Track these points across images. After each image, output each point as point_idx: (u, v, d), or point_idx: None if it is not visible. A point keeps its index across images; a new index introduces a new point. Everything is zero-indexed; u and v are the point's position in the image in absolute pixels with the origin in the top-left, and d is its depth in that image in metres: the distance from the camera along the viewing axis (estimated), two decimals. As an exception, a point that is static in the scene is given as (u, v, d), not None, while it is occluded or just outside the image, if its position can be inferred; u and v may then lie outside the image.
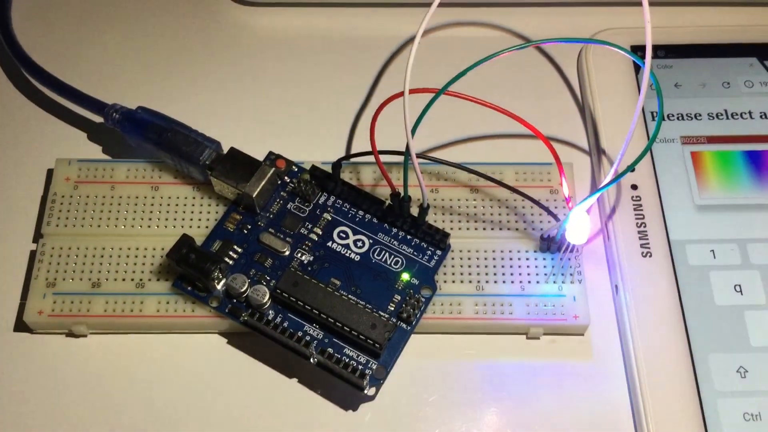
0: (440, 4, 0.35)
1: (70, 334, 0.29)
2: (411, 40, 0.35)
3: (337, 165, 0.29)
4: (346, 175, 0.31)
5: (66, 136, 0.33)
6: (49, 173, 0.32)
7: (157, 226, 0.30)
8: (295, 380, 0.28)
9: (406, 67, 0.24)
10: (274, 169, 0.29)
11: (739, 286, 0.29)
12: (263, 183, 0.29)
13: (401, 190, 0.28)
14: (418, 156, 0.26)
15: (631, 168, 0.26)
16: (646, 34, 0.23)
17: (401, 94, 0.24)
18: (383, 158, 0.27)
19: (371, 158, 0.27)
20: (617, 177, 0.25)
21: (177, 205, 0.30)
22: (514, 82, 0.34)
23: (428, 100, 0.25)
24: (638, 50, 0.33)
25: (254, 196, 0.29)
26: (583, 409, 0.28)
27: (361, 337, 0.27)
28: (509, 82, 0.34)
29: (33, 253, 0.30)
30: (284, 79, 0.34)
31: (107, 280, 0.29)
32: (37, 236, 0.30)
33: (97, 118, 0.32)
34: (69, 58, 0.35)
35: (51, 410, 0.28)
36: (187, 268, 0.27)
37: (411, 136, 0.25)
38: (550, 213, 0.28)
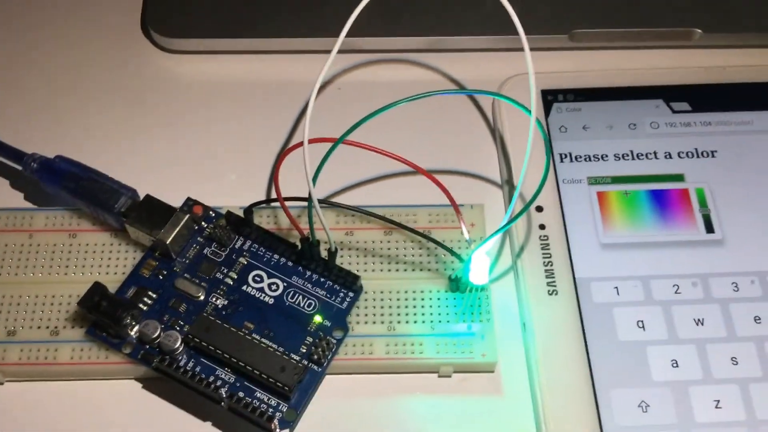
0: (362, 51, 0.36)
1: (-14, 383, 0.29)
2: (327, 85, 0.36)
3: (248, 211, 0.29)
4: (263, 219, 0.31)
5: (-14, 184, 0.34)
6: (-31, 222, 0.32)
7: (74, 273, 0.30)
8: (209, 424, 0.29)
9: (305, 117, 0.25)
10: (189, 215, 0.30)
11: (642, 321, 0.30)
12: (177, 229, 0.29)
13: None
14: (324, 202, 0.27)
15: (514, 220, 0.27)
16: (530, 87, 0.24)
17: (301, 144, 0.25)
18: (296, 203, 0.28)
19: (289, 202, 0.28)
20: (505, 225, 0.27)
21: (95, 252, 0.31)
22: (437, 122, 0.35)
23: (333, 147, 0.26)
24: (549, 94, 0.35)
25: (168, 242, 0.29)
26: (493, 445, 0.29)
27: (270, 380, 0.27)
28: (432, 121, 0.35)
29: (-49, 302, 0.30)
30: (204, 126, 0.35)
31: (22, 327, 0.29)
32: (-45, 284, 0.31)
33: (19, 167, 0.33)
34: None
35: (-35, 459, 0.28)
36: (99, 316, 0.28)
37: (312, 183, 0.25)
38: (454, 254, 0.29)
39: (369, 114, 0.25)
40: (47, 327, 0.29)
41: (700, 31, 0.36)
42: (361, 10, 0.24)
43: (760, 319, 0.30)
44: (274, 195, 0.28)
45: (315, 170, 0.26)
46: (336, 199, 0.30)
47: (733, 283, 0.30)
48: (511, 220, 0.27)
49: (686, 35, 0.36)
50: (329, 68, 0.25)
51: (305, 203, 0.27)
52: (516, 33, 0.31)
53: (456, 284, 0.30)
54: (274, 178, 0.26)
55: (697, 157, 0.33)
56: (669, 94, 0.35)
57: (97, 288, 0.28)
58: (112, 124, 0.35)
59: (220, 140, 0.35)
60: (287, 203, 0.27)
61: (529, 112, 0.24)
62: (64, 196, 0.31)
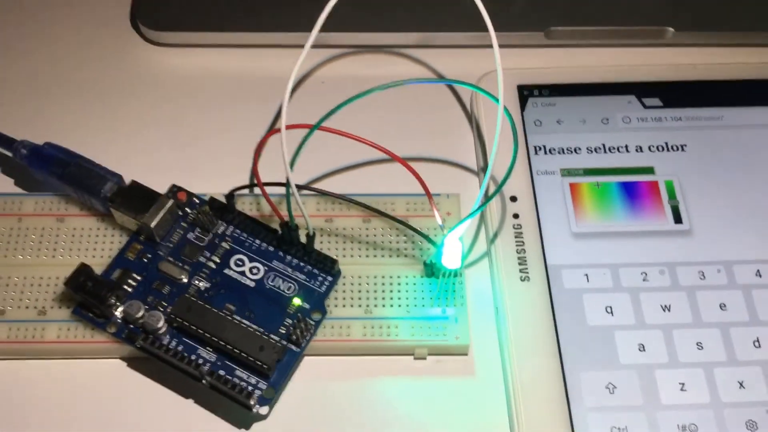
0: (346, 46, 0.37)
1: (-26, 360, 0.30)
2: (309, 77, 0.37)
3: (229, 196, 0.30)
4: (246, 206, 0.32)
5: (-22, 170, 0.35)
6: (-40, 206, 0.33)
7: (62, 256, 0.31)
8: (191, 401, 0.30)
9: (281, 105, 0.26)
10: (172, 201, 0.31)
11: (610, 307, 0.31)
12: (162, 214, 0.30)
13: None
14: (303, 187, 0.28)
15: (484, 205, 0.28)
16: (498, 79, 0.25)
17: (278, 130, 0.26)
18: (277, 189, 0.29)
19: (271, 189, 0.29)
20: (476, 210, 0.28)
21: (82, 236, 0.32)
22: (417, 113, 0.36)
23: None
24: (525, 89, 0.36)
25: (152, 226, 0.30)
26: (465, 425, 0.29)
27: (250, 358, 0.28)
28: (412, 113, 0.36)
29: (-59, 283, 0.31)
30: (189, 116, 0.36)
31: (11, 307, 0.30)
32: (-54, 266, 0.32)
33: (9, 153, 0.34)
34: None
35: (-47, 435, 0.29)
36: (84, 296, 0.29)
37: (290, 169, 0.26)
38: (428, 240, 0.30)
39: (345, 101, 0.26)
40: (35, 307, 0.30)
41: (672, 29, 0.37)
42: (332, 6, 0.25)
43: (725, 306, 0.31)
44: (255, 182, 0.29)
45: (292, 156, 0.27)
46: (316, 186, 0.31)
47: (699, 271, 0.32)
48: (482, 203, 0.28)
49: (659, 33, 0.37)
50: (312, 62, 0.26)
51: (284, 189, 0.28)
52: (495, 30, 0.32)
53: (431, 269, 0.31)
54: (254, 164, 0.27)
55: (667, 150, 0.34)
56: (641, 90, 0.36)
57: (84, 269, 0.29)
58: (101, 113, 0.36)
59: (204, 129, 0.36)
60: (267, 189, 0.28)
61: (498, 101, 0.25)
62: (52, 182, 0.32)
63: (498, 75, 0.25)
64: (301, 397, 0.30)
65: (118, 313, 0.29)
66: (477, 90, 0.28)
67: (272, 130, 0.27)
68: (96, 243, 0.31)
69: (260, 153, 0.27)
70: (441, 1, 0.38)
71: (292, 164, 0.26)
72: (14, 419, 0.29)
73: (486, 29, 0.33)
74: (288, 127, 0.26)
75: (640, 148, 0.35)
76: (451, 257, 0.29)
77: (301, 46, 0.37)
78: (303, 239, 0.30)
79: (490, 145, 0.34)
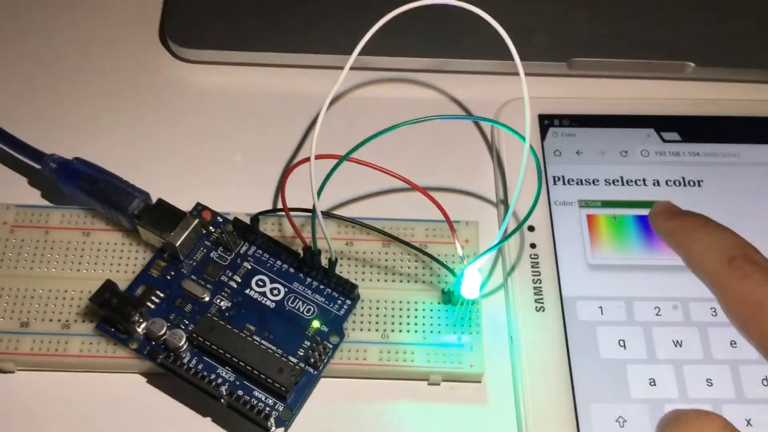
0: (370, 68, 0.38)
1: (-1, 370, 0.31)
2: (335, 99, 0.37)
3: (254, 219, 0.31)
4: (269, 227, 0.33)
5: (6, 181, 0.35)
6: (-11, 216, 0.34)
7: (86, 270, 0.32)
8: (209, 419, 0.30)
9: (313, 134, 0.26)
10: (198, 220, 0.32)
11: (623, 341, 0.31)
12: (187, 232, 0.31)
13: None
14: (327, 214, 0.28)
15: (505, 239, 0.28)
16: (525, 115, 0.26)
17: (308, 159, 0.26)
18: (301, 214, 0.30)
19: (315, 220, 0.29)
20: (498, 243, 0.28)
21: (106, 250, 0.32)
22: (438, 142, 0.37)
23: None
24: (545, 118, 0.36)
25: (177, 245, 0.31)
26: (476, 452, 0.30)
27: (268, 380, 0.29)
28: (433, 142, 0.37)
29: (-32, 292, 0.32)
30: (216, 134, 0.37)
31: (35, 320, 0.31)
32: (-27, 276, 0.32)
33: (38, 166, 0.34)
34: (13, 108, 0.37)
35: (-24, 442, 0.30)
36: (109, 312, 0.29)
37: (317, 197, 0.27)
38: (447, 268, 0.31)
39: (372, 135, 0.27)
40: (59, 320, 0.31)
41: (693, 64, 0.38)
42: (374, 32, 0.25)
43: (735, 343, 0.31)
44: (280, 205, 0.30)
45: (320, 185, 0.27)
46: (337, 211, 0.32)
47: (711, 308, 0.32)
48: (504, 238, 0.28)
49: (680, 68, 0.38)
50: (339, 85, 0.27)
51: (309, 214, 0.29)
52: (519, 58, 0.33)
53: (448, 297, 0.31)
54: (281, 189, 0.28)
55: (684, 185, 0.35)
56: (660, 123, 0.36)
57: (109, 285, 0.30)
58: (129, 130, 0.37)
59: (230, 148, 0.36)
60: (292, 213, 0.29)
61: (524, 138, 0.26)
62: (79, 196, 0.32)
63: (526, 113, 0.26)
64: (316, 418, 0.30)
65: (141, 329, 0.30)
66: (502, 127, 0.28)
67: (301, 159, 0.27)
68: (120, 258, 0.32)
69: (287, 180, 0.28)
70: (464, 28, 0.38)
71: (319, 193, 0.27)
72: (35, 430, 0.30)
73: (509, 57, 0.34)
74: (317, 157, 0.26)
75: (658, 182, 0.35)
76: (470, 287, 0.29)
77: (327, 68, 0.38)
78: (324, 263, 0.31)
79: (511, 176, 0.35)
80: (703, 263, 0.24)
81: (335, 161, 0.27)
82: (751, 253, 0.23)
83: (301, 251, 0.31)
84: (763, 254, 0.24)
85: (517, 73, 0.38)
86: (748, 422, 0.30)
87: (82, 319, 0.31)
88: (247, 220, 0.32)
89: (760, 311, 0.22)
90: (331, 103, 0.37)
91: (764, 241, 0.33)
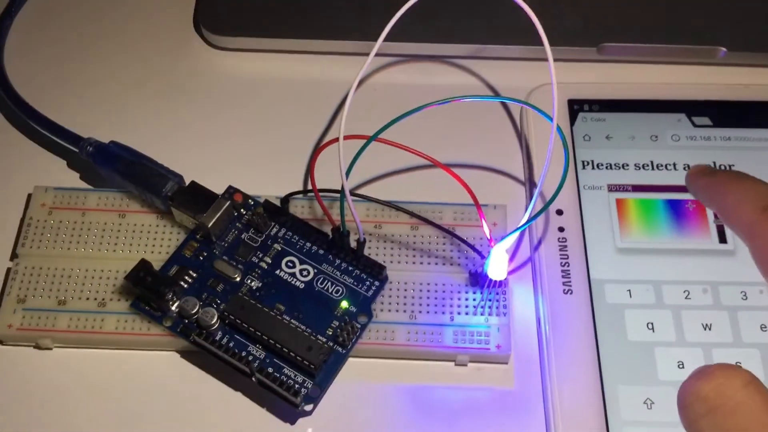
0: (398, 54, 0.38)
1: (37, 347, 0.32)
2: (362, 84, 0.38)
3: (285, 200, 0.31)
4: (299, 209, 0.33)
5: (46, 164, 0.36)
6: (29, 198, 0.35)
7: (122, 251, 0.33)
8: (239, 394, 0.31)
9: (341, 115, 0.27)
10: (229, 202, 0.32)
11: (652, 324, 0.31)
12: (218, 214, 0.32)
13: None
14: (355, 195, 0.29)
15: (531, 220, 0.28)
16: (552, 96, 0.26)
17: (336, 140, 0.27)
18: (330, 195, 0.30)
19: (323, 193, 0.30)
20: (524, 224, 0.28)
21: (141, 231, 0.33)
22: (467, 125, 0.37)
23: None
24: (575, 103, 0.36)
25: (209, 226, 0.31)
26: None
27: (298, 358, 0.29)
28: (463, 124, 0.37)
29: (9, 271, 0.33)
30: (247, 119, 0.37)
31: (72, 298, 0.32)
32: (13, 255, 0.33)
33: (75, 149, 0.35)
34: (52, 94, 0.38)
35: (16, 415, 0.30)
36: (143, 290, 0.30)
37: (345, 177, 0.27)
38: (475, 250, 0.31)
39: (400, 115, 0.27)
40: (95, 299, 0.32)
41: (724, 49, 0.37)
42: (397, 19, 0.26)
43: (765, 327, 0.31)
44: (309, 187, 0.30)
45: (348, 165, 0.28)
46: (366, 193, 0.32)
47: (742, 291, 0.32)
48: (530, 219, 0.28)
49: (711, 53, 0.38)
50: (366, 70, 0.27)
51: (338, 195, 0.29)
52: (549, 44, 0.33)
53: (476, 279, 0.31)
54: (310, 170, 0.29)
55: (715, 170, 0.35)
56: (691, 108, 0.36)
57: (143, 264, 0.30)
58: (163, 114, 0.38)
59: (261, 133, 0.37)
60: (321, 194, 0.29)
61: (551, 118, 0.26)
62: (115, 179, 0.33)
63: (553, 98, 0.26)
64: (344, 397, 0.31)
65: (174, 307, 0.31)
66: (529, 106, 0.29)
67: (330, 140, 0.28)
68: (155, 239, 0.33)
69: (316, 161, 0.28)
70: (495, 13, 0.38)
71: (348, 173, 0.27)
72: (71, 405, 0.31)
73: (539, 43, 0.34)
74: (346, 138, 0.27)
75: (688, 166, 0.35)
76: (497, 268, 0.30)
77: (357, 54, 0.38)
78: (353, 245, 0.31)
79: (539, 160, 0.35)
80: (736, 213, 0.23)
81: (364, 142, 0.28)
82: None
83: (330, 232, 0.31)
84: None
85: (543, 59, 0.38)
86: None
87: (118, 297, 0.32)
88: (278, 203, 0.32)
89: None
90: (360, 88, 0.38)
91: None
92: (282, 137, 0.37)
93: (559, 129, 0.27)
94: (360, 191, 0.35)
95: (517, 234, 0.29)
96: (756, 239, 0.22)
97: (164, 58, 0.39)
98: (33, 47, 0.40)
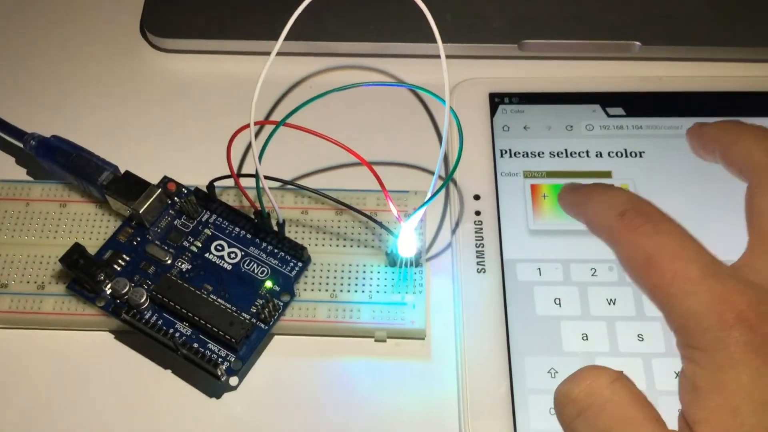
0: (334, 54, 0.40)
1: (-20, 328, 0.34)
2: (299, 83, 0.40)
3: (210, 186, 0.33)
4: (230, 198, 0.35)
5: (-5, 159, 0.38)
6: (-24, 191, 0.37)
7: (62, 238, 0.35)
8: (169, 371, 0.33)
9: (251, 104, 0.29)
10: (160, 189, 0.34)
11: (559, 299, 0.33)
12: (150, 201, 0.34)
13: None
14: (271, 178, 0.31)
15: (435, 194, 0.30)
16: (444, 79, 0.28)
17: (248, 126, 0.29)
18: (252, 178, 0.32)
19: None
20: (427, 200, 0.30)
21: (81, 220, 0.35)
22: (395, 116, 0.39)
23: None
24: (496, 96, 0.38)
25: (141, 212, 0.33)
26: (419, 402, 0.32)
27: (220, 333, 0.31)
28: (390, 119, 0.39)
29: (-44, 258, 0.35)
30: (185, 115, 0.39)
31: (14, 282, 0.33)
32: (-40, 244, 0.35)
33: (20, 144, 0.37)
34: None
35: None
36: (77, 272, 0.32)
37: (258, 160, 0.29)
38: (388, 231, 0.33)
39: (306, 101, 0.29)
40: (35, 282, 0.33)
41: (639, 43, 0.39)
42: (297, 16, 0.28)
43: (668, 302, 0.33)
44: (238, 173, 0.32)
45: (261, 148, 0.30)
46: (305, 184, 0.34)
47: (646, 269, 0.34)
48: (433, 194, 0.30)
49: (626, 47, 0.40)
50: (306, 69, 0.29)
51: (277, 184, 0.31)
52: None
53: (392, 258, 0.33)
54: (227, 154, 0.30)
55: (626, 156, 0.37)
56: (606, 100, 0.38)
57: (77, 248, 0.32)
58: (103, 110, 0.40)
59: (197, 128, 0.39)
60: (241, 179, 0.31)
61: (444, 102, 0.28)
62: (56, 171, 0.35)
63: (444, 77, 0.28)
64: (269, 373, 0.33)
65: (107, 289, 0.33)
66: (422, 90, 0.31)
67: (242, 126, 0.30)
68: (94, 227, 0.35)
69: (231, 145, 0.30)
70: (418, 14, 0.40)
71: (261, 156, 0.29)
72: (12, 384, 0.32)
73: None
74: (256, 123, 0.29)
75: (600, 153, 0.37)
76: (406, 246, 0.32)
77: (298, 54, 0.40)
78: (274, 226, 0.33)
79: (452, 146, 0.37)
80: (598, 221, 0.24)
81: (273, 127, 0.30)
82: (642, 205, 0.24)
83: (254, 216, 0.33)
84: (656, 206, 0.24)
85: (468, 57, 0.40)
86: (677, 374, 0.31)
87: (56, 281, 0.33)
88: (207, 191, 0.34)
89: (650, 263, 0.22)
90: (298, 87, 0.40)
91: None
92: (216, 132, 0.38)
93: (452, 110, 0.29)
94: (300, 182, 0.36)
95: (422, 211, 0.31)
96: (617, 245, 0.23)
97: (109, 58, 0.42)
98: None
